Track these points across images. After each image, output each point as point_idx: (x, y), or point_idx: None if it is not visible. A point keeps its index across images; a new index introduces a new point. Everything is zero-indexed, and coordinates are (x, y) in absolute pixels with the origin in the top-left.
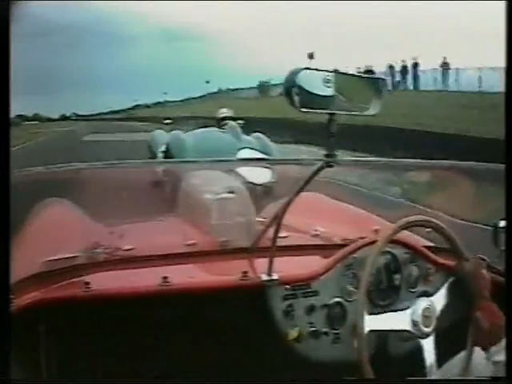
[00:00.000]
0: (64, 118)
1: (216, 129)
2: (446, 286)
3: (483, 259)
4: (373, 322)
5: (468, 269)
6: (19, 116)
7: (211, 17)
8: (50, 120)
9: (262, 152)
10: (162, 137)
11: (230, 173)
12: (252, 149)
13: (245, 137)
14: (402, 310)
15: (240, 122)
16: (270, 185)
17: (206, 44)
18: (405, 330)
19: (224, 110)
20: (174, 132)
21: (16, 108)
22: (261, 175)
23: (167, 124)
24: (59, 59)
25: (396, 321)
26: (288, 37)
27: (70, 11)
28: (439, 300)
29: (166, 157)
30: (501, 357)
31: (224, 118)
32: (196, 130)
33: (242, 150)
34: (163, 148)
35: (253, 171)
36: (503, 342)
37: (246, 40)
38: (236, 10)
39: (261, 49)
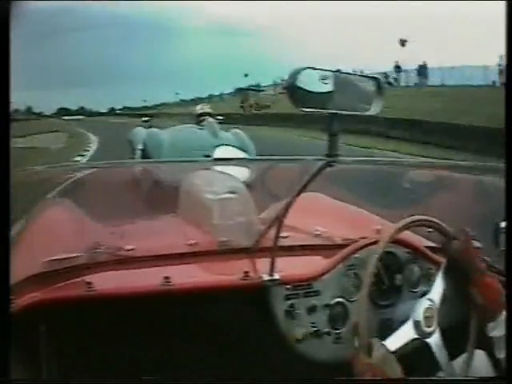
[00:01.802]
0: (112, 111)
1: (194, 125)
2: (440, 272)
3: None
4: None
5: (456, 246)
6: (63, 109)
7: (262, 11)
8: (98, 114)
9: (240, 149)
10: (141, 134)
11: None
12: (229, 145)
13: (222, 133)
14: (403, 321)
15: (219, 118)
16: (247, 184)
17: (256, 39)
18: (413, 339)
19: (200, 105)
20: (150, 129)
21: (61, 101)
22: (236, 174)
23: (145, 122)
24: (108, 53)
25: (402, 336)
26: (336, 31)
27: (120, 5)
28: (437, 291)
29: (143, 154)
30: (499, 332)
31: (201, 115)
32: (173, 127)
33: (219, 147)
34: (141, 146)
35: (229, 170)
36: (502, 316)
37: (296, 34)
38: (286, 4)
39: (310, 43)
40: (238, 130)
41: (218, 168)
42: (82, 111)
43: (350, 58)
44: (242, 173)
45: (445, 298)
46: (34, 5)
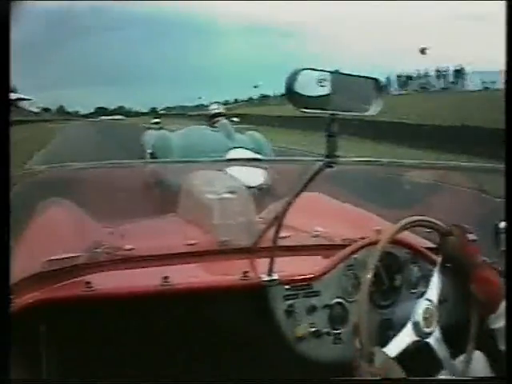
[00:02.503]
0: (154, 111)
1: (206, 127)
2: (436, 270)
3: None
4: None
5: (451, 243)
6: (100, 108)
7: (298, 12)
8: (139, 114)
9: (256, 151)
10: (150, 137)
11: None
12: (244, 148)
13: (238, 135)
14: (403, 322)
15: (235, 119)
16: (265, 187)
17: (292, 40)
18: (413, 342)
19: (215, 105)
20: (159, 132)
21: (97, 101)
22: (254, 177)
23: (155, 124)
24: (139, 52)
25: (402, 340)
26: (377, 32)
27: (149, 5)
28: (434, 289)
29: (153, 158)
30: (500, 323)
31: (215, 115)
32: (184, 129)
33: (233, 150)
34: (150, 149)
35: (246, 172)
36: (502, 308)
37: (335, 35)
38: (324, 4)
39: (349, 44)
40: (255, 132)
41: (233, 170)
42: (120, 111)
43: (390, 58)
44: (258, 176)
45: (443, 296)
46: (68, 4)
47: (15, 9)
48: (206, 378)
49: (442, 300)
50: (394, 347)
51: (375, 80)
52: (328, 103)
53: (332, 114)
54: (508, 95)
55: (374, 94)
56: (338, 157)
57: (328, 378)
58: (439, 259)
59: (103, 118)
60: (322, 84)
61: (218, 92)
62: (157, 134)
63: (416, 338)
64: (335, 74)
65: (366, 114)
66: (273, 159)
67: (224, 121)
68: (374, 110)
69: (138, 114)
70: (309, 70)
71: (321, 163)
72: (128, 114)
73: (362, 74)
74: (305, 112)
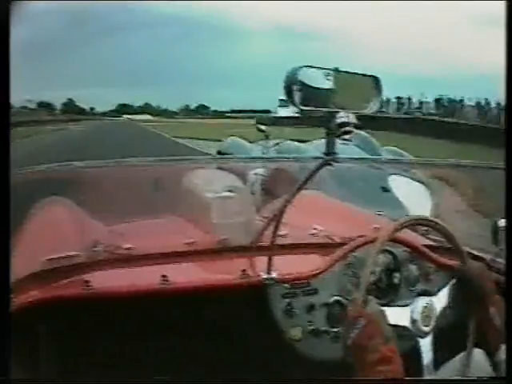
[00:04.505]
0: (186, 109)
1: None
2: (448, 287)
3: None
4: None
5: (473, 271)
6: (124, 105)
7: (328, 15)
8: (169, 112)
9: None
10: (243, 145)
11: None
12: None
13: (382, 151)
14: (402, 306)
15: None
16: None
17: (322, 43)
18: (404, 327)
19: (342, 114)
20: (289, 142)
21: (122, 99)
22: (423, 207)
23: (260, 131)
24: (169, 51)
25: (396, 316)
26: (407, 37)
27: (181, 3)
28: (440, 300)
29: None
30: (503, 356)
31: (343, 125)
32: (316, 141)
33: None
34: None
35: (413, 200)
36: None
37: (365, 40)
38: (353, 8)
39: (379, 49)
40: (397, 149)
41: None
42: (146, 109)
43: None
44: (426, 205)
45: (444, 312)
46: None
47: (15, 9)
48: (205, 377)
49: (443, 314)
50: (390, 314)
51: (374, 78)
52: (327, 101)
53: (331, 112)
54: (508, 96)
55: (372, 91)
56: (337, 154)
57: (327, 378)
58: (454, 279)
59: (126, 116)
60: (328, 79)
61: (242, 95)
62: (292, 145)
63: (409, 327)
64: (335, 71)
65: (365, 112)
66: (272, 158)
67: (362, 133)
68: (371, 108)
69: (166, 113)
70: (308, 68)
71: (320, 161)
72: (155, 112)
73: (361, 72)
74: (304, 110)
